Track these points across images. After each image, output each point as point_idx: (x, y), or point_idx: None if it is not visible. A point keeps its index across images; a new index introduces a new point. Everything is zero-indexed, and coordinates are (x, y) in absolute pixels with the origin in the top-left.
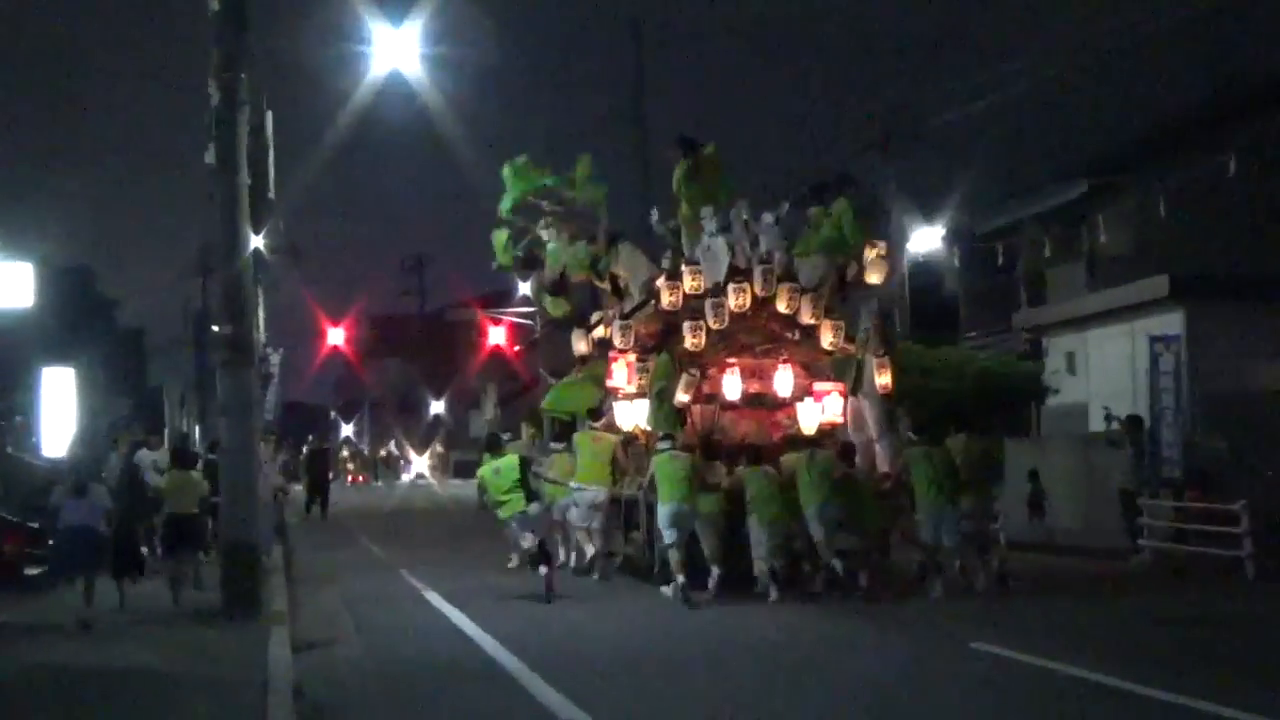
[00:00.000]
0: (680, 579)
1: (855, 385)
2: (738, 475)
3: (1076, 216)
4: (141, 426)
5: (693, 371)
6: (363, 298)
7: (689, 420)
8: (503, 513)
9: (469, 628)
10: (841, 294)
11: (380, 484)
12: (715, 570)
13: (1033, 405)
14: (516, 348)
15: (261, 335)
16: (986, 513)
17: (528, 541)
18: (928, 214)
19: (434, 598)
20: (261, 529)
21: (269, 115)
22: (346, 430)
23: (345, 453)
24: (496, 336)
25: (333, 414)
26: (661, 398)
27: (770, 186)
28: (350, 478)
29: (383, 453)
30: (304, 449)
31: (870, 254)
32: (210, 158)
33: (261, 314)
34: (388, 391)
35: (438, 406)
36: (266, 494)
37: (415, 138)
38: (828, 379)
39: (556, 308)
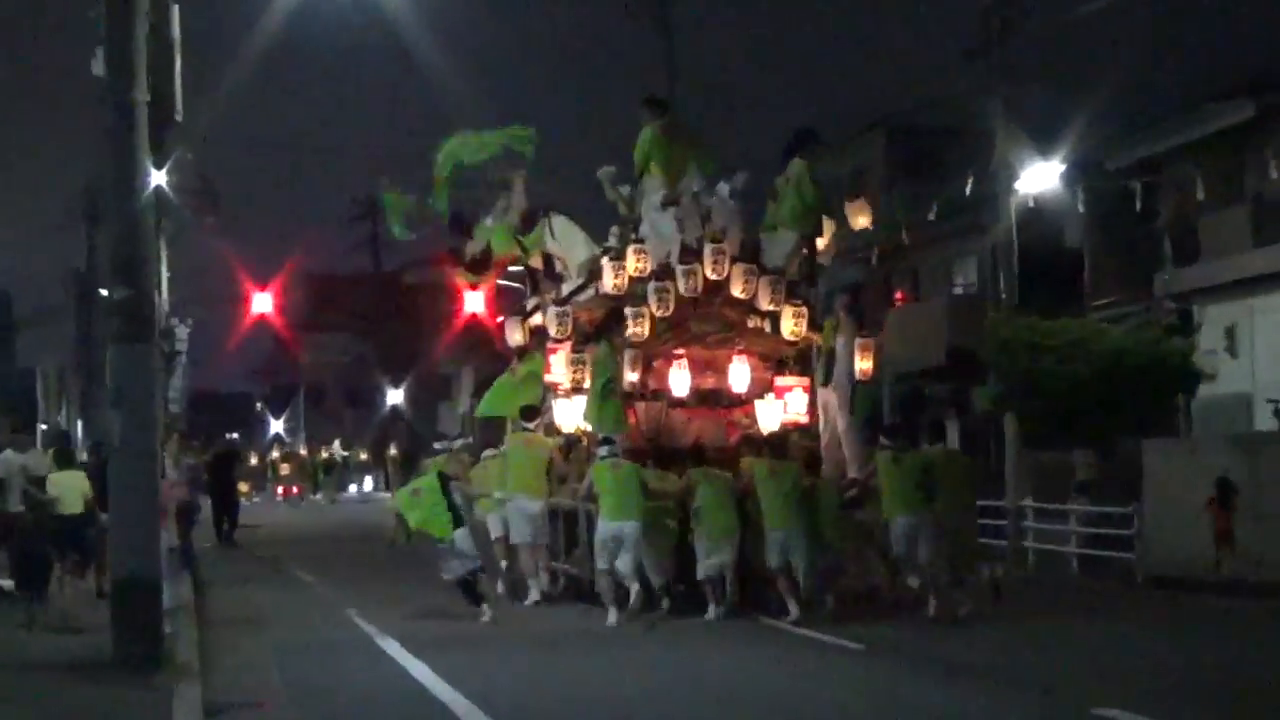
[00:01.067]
0: (614, 611)
1: (825, 375)
2: (688, 479)
3: (1239, 148)
4: (7, 421)
5: (634, 359)
6: (298, 253)
7: (635, 419)
8: (432, 533)
9: (435, 685)
10: (809, 274)
11: (320, 497)
12: (654, 589)
13: (1180, 396)
14: (501, 319)
15: (164, 301)
16: (966, 536)
17: (452, 573)
18: (1043, 144)
19: (390, 646)
20: (164, 556)
21: (175, 9)
22: (276, 426)
23: (275, 455)
24: (474, 304)
25: (258, 405)
26: (603, 395)
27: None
28: (280, 490)
29: (324, 455)
30: (211, 452)
31: (827, 228)
32: (98, 67)
33: (165, 274)
34: (331, 376)
35: (396, 396)
36: (171, 509)
37: (372, 49)
38: (791, 372)
39: (471, 279)
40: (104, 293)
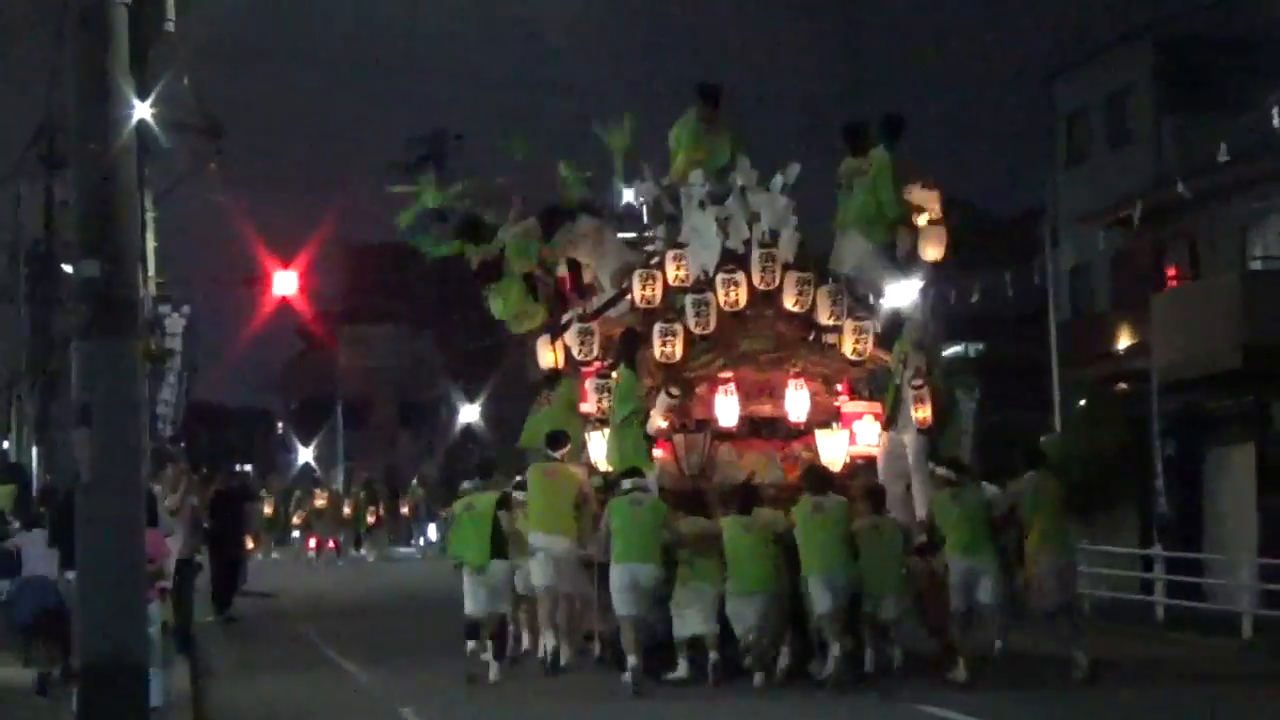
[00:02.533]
0: (632, 661)
1: (891, 417)
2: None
3: None
4: None
5: (673, 392)
6: (333, 218)
7: (671, 454)
8: (462, 557)
9: None
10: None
11: (367, 553)
12: (712, 655)
13: None
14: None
15: (150, 282)
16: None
17: (472, 606)
18: None
19: None
20: (153, 634)
21: None
22: (304, 454)
23: (298, 494)
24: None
25: (279, 425)
26: (625, 425)
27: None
28: (313, 541)
29: (363, 490)
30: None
31: (920, 219)
32: None
33: (151, 243)
34: (379, 385)
35: (470, 412)
36: (167, 566)
37: None
38: (860, 397)
39: (501, 307)
40: (67, 269)
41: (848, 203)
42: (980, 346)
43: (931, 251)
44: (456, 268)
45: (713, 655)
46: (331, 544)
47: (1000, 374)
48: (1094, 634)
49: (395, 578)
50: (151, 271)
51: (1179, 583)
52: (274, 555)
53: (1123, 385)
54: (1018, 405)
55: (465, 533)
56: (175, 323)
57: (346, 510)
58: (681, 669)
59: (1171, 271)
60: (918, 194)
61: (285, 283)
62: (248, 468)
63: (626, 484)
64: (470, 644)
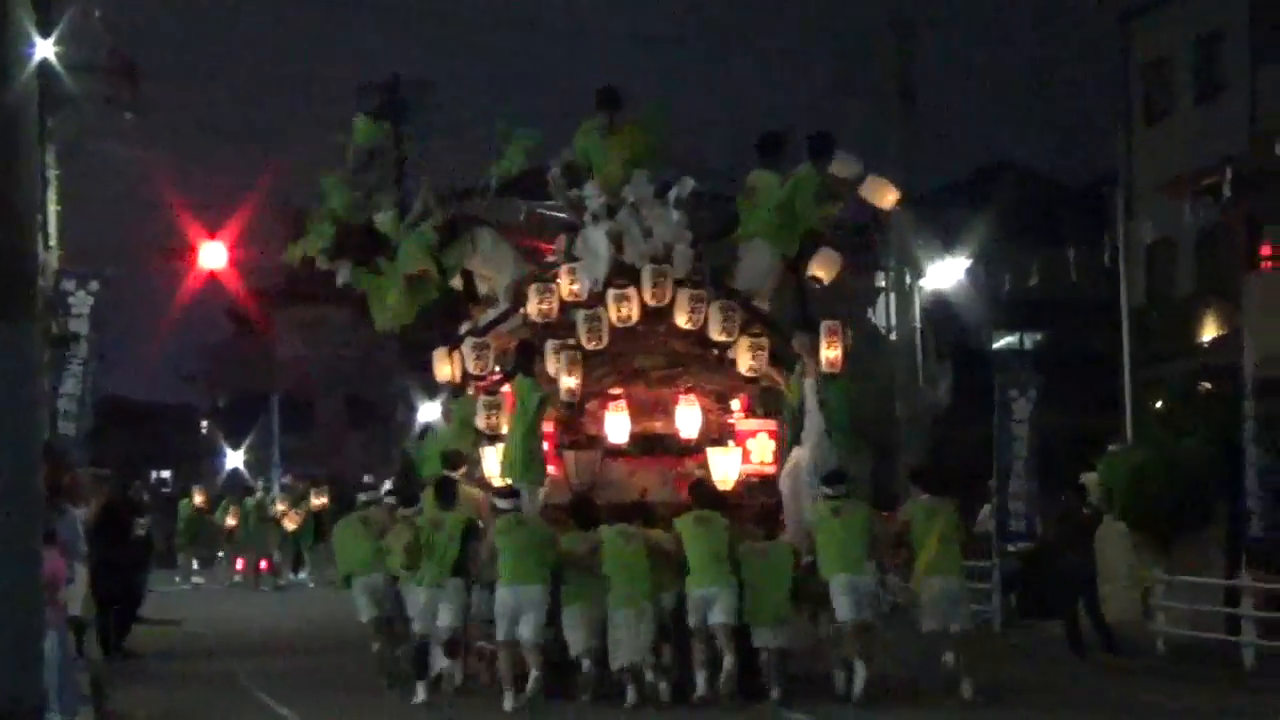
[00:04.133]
0: (509, 692)
1: (794, 433)
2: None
3: None
4: None
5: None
6: (271, 178)
7: (561, 471)
8: (409, 576)
9: None
10: (801, 296)
11: (308, 577)
12: (585, 664)
13: None
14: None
15: (52, 253)
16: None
17: (445, 619)
18: None
19: None
20: (56, 675)
21: None
22: (234, 459)
23: (225, 502)
24: None
25: (204, 425)
26: (526, 439)
27: None
28: (239, 563)
29: (317, 502)
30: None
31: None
32: None
33: (53, 208)
34: (324, 378)
35: (431, 410)
36: (74, 599)
37: None
38: (756, 415)
39: (383, 314)
40: None
41: (753, 213)
42: (1038, 337)
43: (890, 196)
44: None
45: (587, 667)
46: (265, 565)
47: (1062, 370)
48: (1165, 680)
49: (339, 606)
50: (54, 240)
51: (1273, 620)
52: (196, 580)
53: (1208, 384)
54: (1082, 407)
55: (438, 553)
56: (82, 301)
57: (291, 525)
58: (584, 683)
59: (1267, 250)
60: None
61: (213, 255)
62: (166, 474)
63: (503, 504)
64: (419, 689)
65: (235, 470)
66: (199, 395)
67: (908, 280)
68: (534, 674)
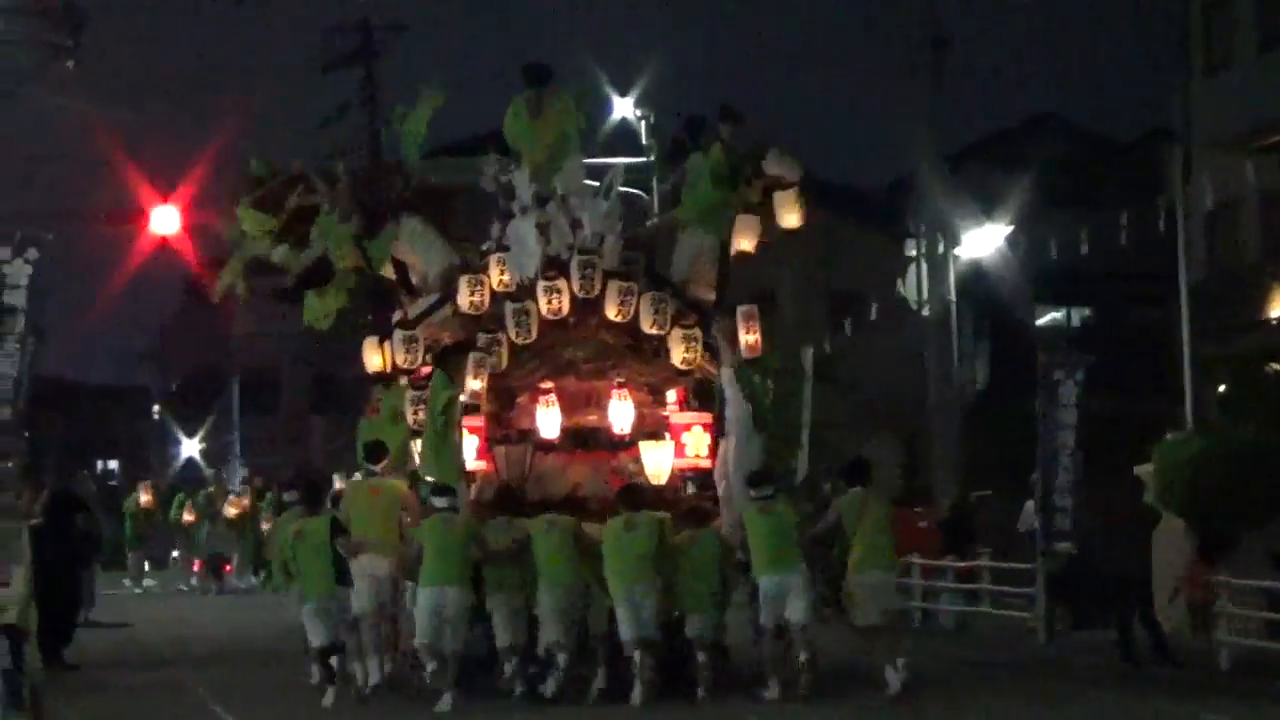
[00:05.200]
0: (448, 694)
1: (720, 422)
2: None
3: None
4: None
5: (475, 394)
6: (230, 132)
7: (491, 466)
8: (300, 590)
9: None
10: (721, 283)
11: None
12: (510, 664)
13: None
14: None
15: None
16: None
17: (319, 639)
18: None
19: None
20: None
21: None
22: (189, 447)
23: (186, 501)
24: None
25: (155, 409)
26: (441, 435)
27: None
28: (195, 565)
29: (285, 497)
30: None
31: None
32: None
33: None
34: (289, 357)
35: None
36: (10, 604)
37: None
38: (692, 408)
39: (316, 309)
40: None
41: (687, 199)
42: (1086, 312)
43: (791, 218)
44: (401, 196)
45: (512, 665)
46: (229, 567)
47: (1113, 348)
48: (1229, 697)
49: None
50: None
51: None
52: (148, 582)
53: (1277, 365)
54: (1135, 390)
55: (306, 562)
56: (18, 271)
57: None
58: (508, 671)
59: None
60: (774, 165)
61: (165, 220)
62: (113, 464)
63: (440, 502)
64: (329, 687)
65: (190, 460)
66: (150, 376)
67: (941, 249)
68: (442, 672)
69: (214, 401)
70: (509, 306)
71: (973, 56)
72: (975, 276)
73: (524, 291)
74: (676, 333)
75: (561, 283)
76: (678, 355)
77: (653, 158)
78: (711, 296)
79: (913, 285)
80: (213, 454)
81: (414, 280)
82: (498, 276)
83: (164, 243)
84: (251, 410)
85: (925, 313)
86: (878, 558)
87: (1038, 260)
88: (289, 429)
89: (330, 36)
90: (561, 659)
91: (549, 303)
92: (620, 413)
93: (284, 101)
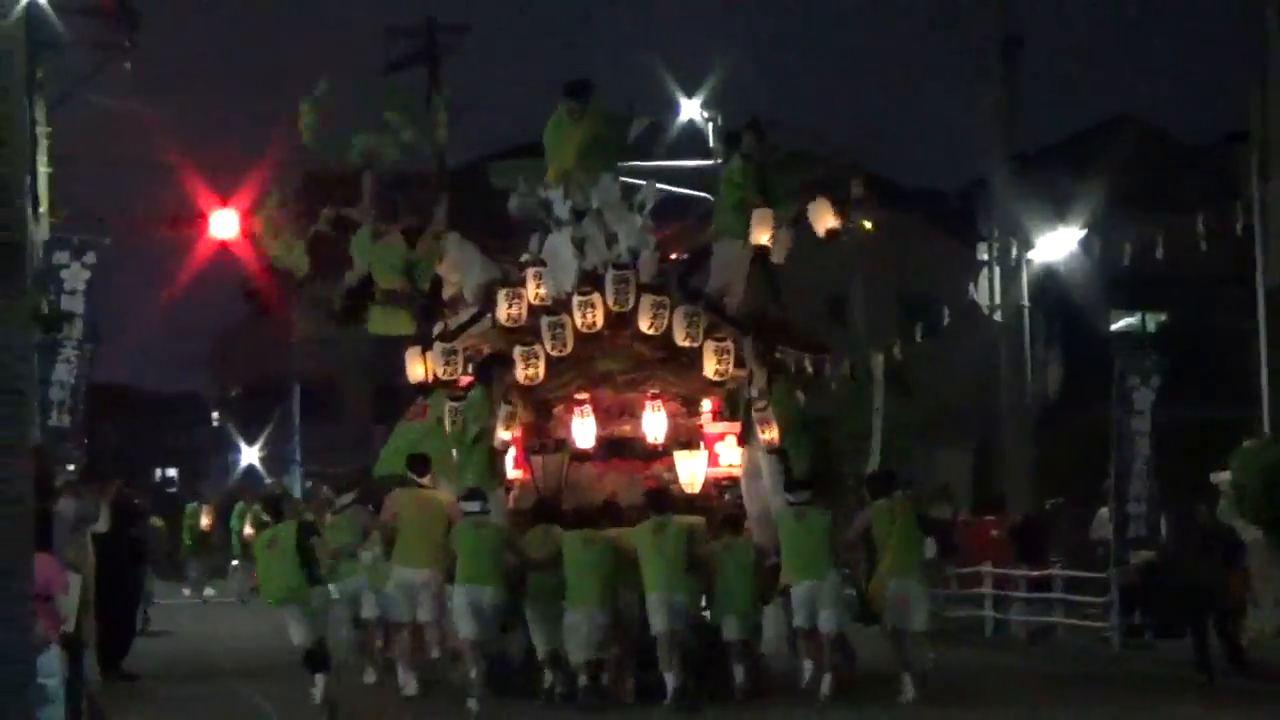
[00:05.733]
0: (475, 684)
1: (746, 433)
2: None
3: None
4: None
5: (510, 400)
6: (290, 135)
7: (529, 475)
8: (267, 597)
9: None
10: (769, 287)
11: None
12: (547, 672)
13: None
14: (675, 256)
15: (43, 220)
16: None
17: (299, 637)
18: None
19: None
20: (53, 697)
21: None
22: (249, 455)
23: (245, 511)
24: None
25: (214, 417)
26: (473, 445)
27: None
28: (253, 574)
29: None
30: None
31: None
32: None
33: (43, 169)
34: (351, 365)
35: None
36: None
37: None
38: (725, 418)
39: (380, 323)
40: None
41: (720, 207)
42: (1162, 317)
43: (828, 221)
44: (466, 204)
45: (549, 674)
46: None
47: (1189, 353)
48: None
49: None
50: (43, 207)
51: None
52: (208, 591)
53: None
54: (1212, 396)
55: (272, 568)
56: (75, 276)
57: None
58: (548, 679)
59: None
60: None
61: (224, 224)
62: (171, 472)
63: (470, 506)
64: (318, 676)
65: (250, 468)
66: (208, 384)
67: (1013, 252)
68: (473, 672)
69: (274, 409)
70: (544, 320)
71: (1047, 58)
72: (1049, 281)
73: (560, 305)
74: (709, 345)
75: (596, 297)
76: (710, 367)
77: (720, 160)
78: (741, 304)
79: (985, 290)
80: (272, 462)
81: (445, 294)
82: (534, 290)
83: (223, 247)
84: (312, 418)
85: (998, 318)
86: (905, 566)
87: (1112, 264)
88: (350, 437)
89: (394, 37)
90: (586, 671)
91: (583, 316)
92: (654, 423)
93: (347, 103)
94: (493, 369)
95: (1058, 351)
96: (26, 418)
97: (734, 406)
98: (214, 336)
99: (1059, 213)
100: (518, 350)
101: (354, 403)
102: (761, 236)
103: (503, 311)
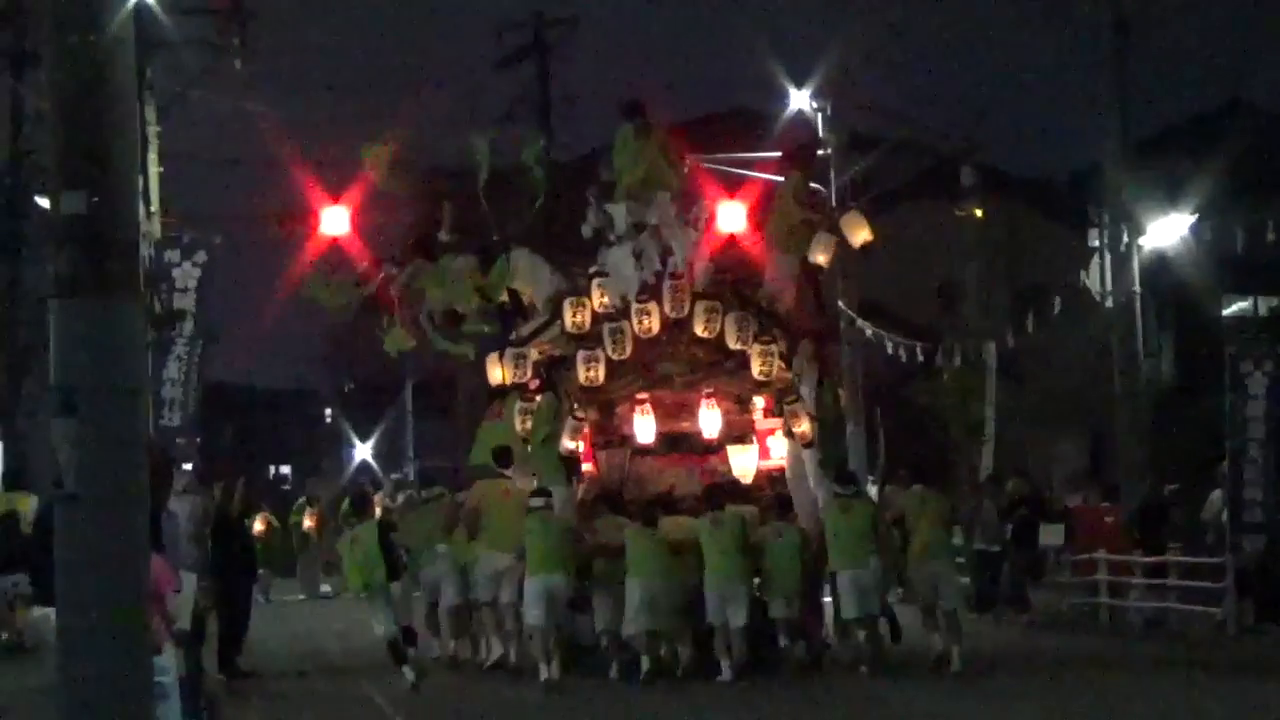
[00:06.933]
0: (545, 667)
1: (789, 429)
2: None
3: None
4: None
5: (578, 415)
6: (403, 132)
7: (595, 468)
8: (355, 587)
9: None
10: (815, 296)
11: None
12: (604, 640)
13: None
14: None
15: (155, 219)
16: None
17: (382, 628)
18: None
19: None
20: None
21: None
22: (362, 451)
23: (302, 504)
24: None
25: (328, 413)
26: (543, 446)
27: None
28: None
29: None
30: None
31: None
32: None
33: (154, 169)
34: (464, 361)
35: None
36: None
37: None
38: (774, 415)
39: (458, 351)
40: (41, 203)
41: (776, 222)
42: (1275, 302)
43: (861, 233)
44: (580, 195)
45: (605, 643)
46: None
47: None
48: None
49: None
50: (155, 207)
51: None
52: (325, 588)
53: None
54: None
55: (355, 564)
56: (187, 274)
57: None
58: (614, 669)
59: None
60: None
61: (335, 221)
62: (285, 469)
63: (537, 502)
64: (405, 669)
65: (364, 463)
66: (321, 380)
67: (1125, 239)
68: (545, 652)
69: (387, 405)
70: (606, 326)
71: (1160, 42)
72: (1161, 267)
73: (620, 313)
74: (756, 348)
75: (652, 305)
76: (756, 368)
77: (829, 150)
78: (793, 311)
79: (1096, 277)
80: (384, 458)
81: (525, 303)
82: (598, 299)
83: (334, 244)
84: (425, 414)
85: (1109, 304)
86: (936, 550)
87: (1225, 249)
88: (460, 431)
89: (503, 32)
90: (647, 644)
91: (640, 323)
92: (709, 420)
93: (457, 100)
94: (557, 372)
95: (1170, 338)
96: (142, 417)
97: (783, 404)
98: (328, 333)
99: (1171, 198)
100: (580, 354)
101: (466, 399)
102: (820, 257)
103: (569, 319)
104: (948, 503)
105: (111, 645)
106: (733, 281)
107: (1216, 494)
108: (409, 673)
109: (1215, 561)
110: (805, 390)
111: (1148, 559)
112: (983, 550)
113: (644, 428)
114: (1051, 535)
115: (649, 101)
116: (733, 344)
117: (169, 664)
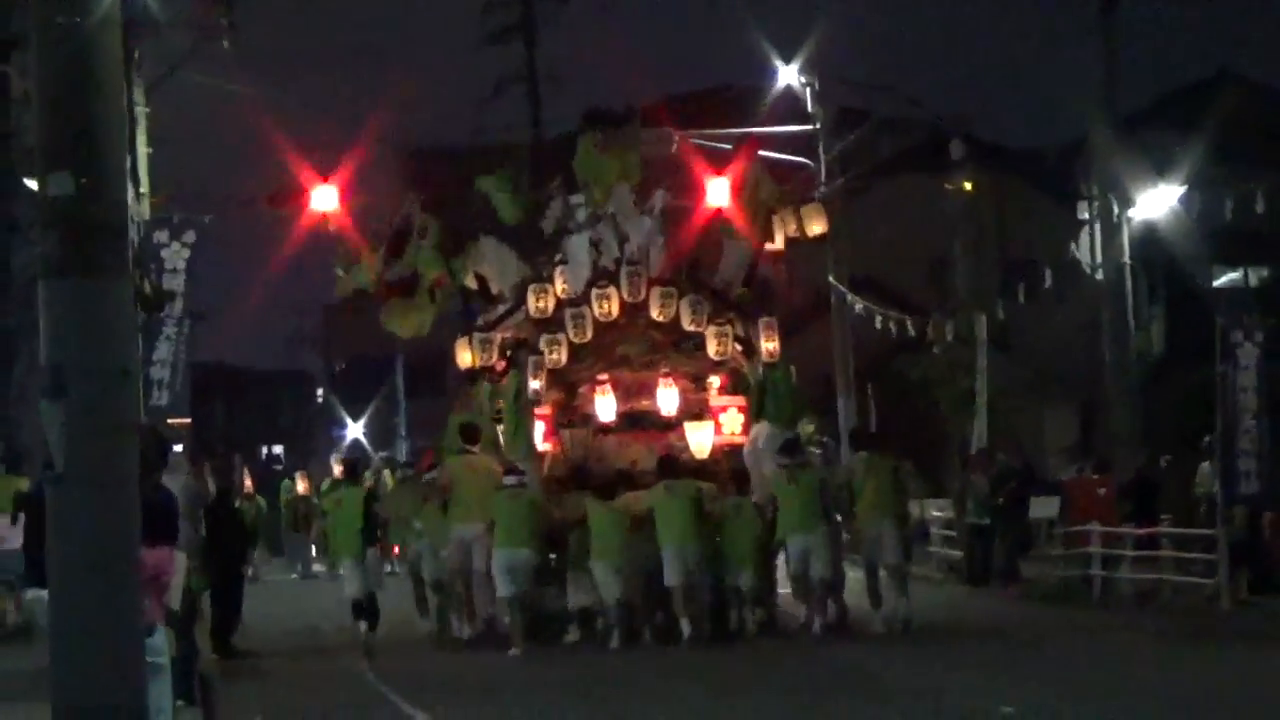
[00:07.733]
0: (516, 637)
1: (757, 411)
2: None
3: None
4: None
5: (538, 349)
6: (390, 110)
7: (560, 447)
8: (334, 556)
9: None
10: (748, 283)
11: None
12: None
13: None
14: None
15: (143, 200)
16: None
17: (352, 589)
18: None
19: None
20: (163, 678)
21: None
22: (354, 430)
23: (289, 485)
24: (719, 195)
25: (319, 392)
26: (516, 425)
27: None
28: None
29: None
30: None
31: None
32: None
33: (143, 149)
34: (455, 336)
35: None
36: (175, 596)
37: None
38: (728, 393)
39: (397, 320)
40: (30, 184)
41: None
42: (1265, 272)
43: (817, 226)
44: (567, 171)
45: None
46: (395, 549)
47: None
48: None
49: None
50: (144, 187)
51: None
52: (316, 568)
53: None
54: None
55: (338, 525)
56: (176, 255)
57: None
58: (572, 633)
59: None
60: (807, 211)
61: (324, 200)
62: (278, 449)
63: (509, 480)
64: (361, 624)
65: (356, 442)
66: (313, 360)
67: (1115, 211)
68: (513, 624)
69: (379, 384)
70: (568, 311)
71: (1148, 14)
72: (1150, 238)
73: (580, 298)
74: (712, 329)
75: (611, 290)
76: (712, 348)
77: (818, 125)
78: (745, 295)
79: (1086, 249)
80: (379, 436)
81: (492, 290)
82: (560, 285)
83: (324, 221)
84: (417, 393)
85: (1099, 276)
86: (881, 512)
87: (1214, 221)
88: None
89: (491, 9)
90: (614, 615)
91: (600, 307)
92: (667, 398)
93: (444, 77)
94: (520, 355)
95: (1160, 309)
96: (133, 398)
97: (737, 383)
98: (318, 314)
99: (1160, 170)
100: (543, 339)
101: (457, 379)
102: (777, 240)
103: (533, 305)
104: (893, 465)
105: (103, 626)
106: (688, 266)
107: (1206, 466)
108: (364, 628)
109: (1207, 533)
110: (759, 370)
111: (1140, 531)
112: (974, 523)
113: (605, 407)
114: (1044, 508)
115: (614, 106)
116: (688, 326)
117: (162, 644)
